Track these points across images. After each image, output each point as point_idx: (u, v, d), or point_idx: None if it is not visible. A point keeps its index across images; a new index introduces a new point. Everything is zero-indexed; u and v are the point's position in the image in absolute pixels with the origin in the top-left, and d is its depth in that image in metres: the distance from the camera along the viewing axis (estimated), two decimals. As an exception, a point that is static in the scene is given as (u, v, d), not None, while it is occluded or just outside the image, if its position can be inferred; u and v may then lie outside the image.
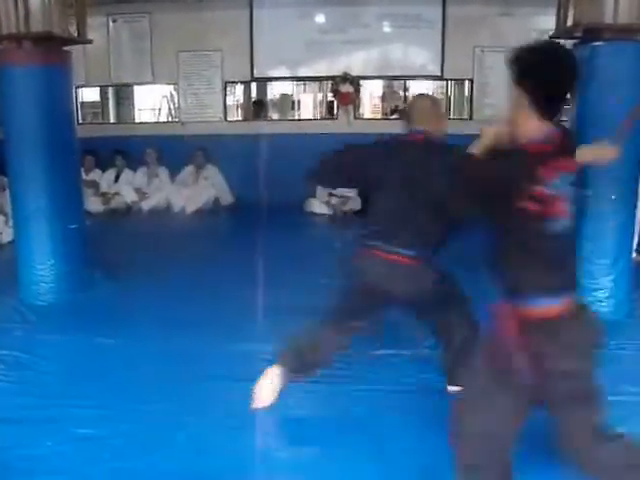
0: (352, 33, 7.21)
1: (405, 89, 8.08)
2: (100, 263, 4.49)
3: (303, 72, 7.57)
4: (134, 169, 7.49)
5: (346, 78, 7.25)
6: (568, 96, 1.67)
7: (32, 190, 3.95)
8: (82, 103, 8.03)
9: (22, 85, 3.84)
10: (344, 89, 7.29)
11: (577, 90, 1.70)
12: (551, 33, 4.20)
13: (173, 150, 7.27)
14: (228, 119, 7.72)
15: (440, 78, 7.41)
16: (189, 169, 7.40)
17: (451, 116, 7.69)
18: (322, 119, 8.28)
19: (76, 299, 4.05)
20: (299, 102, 9.59)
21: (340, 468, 2.30)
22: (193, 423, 2.57)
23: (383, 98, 9.68)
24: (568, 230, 1.71)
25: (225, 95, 7.63)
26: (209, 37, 7.27)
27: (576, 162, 1.73)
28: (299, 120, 8.88)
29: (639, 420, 2.58)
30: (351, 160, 2.67)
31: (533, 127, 1.66)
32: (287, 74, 7.67)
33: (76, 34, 4.18)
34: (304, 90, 9.53)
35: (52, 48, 3.93)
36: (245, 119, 8.11)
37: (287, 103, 9.20)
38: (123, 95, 8.19)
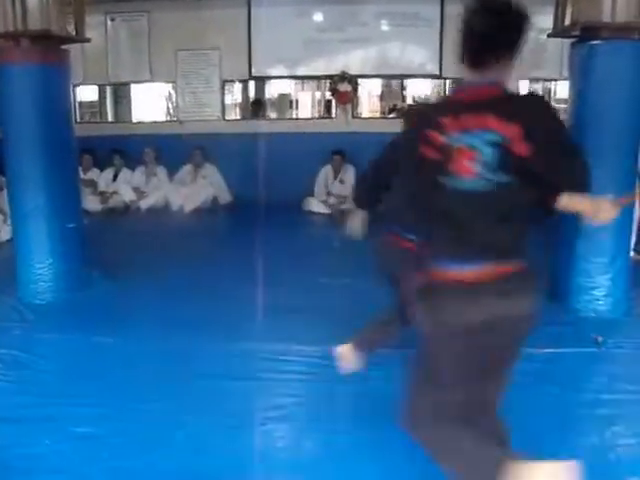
0: (350, 32, 7.20)
1: (403, 88, 8.09)
2: (98, 262, 4.48)
3: (301, 71, 7.55)
4: (132, 168, 7.48)
5: (344, 77, 7.25)
6: (501, 49, 1.61)
7: (30, 189, 3.95)
8: (80, 102, 8.02)
9: (20, 84, 3.84)
10: (342, 88, 7.29)
11: (518, 45, 1.61)
12: (549, 32, 4.21)
13: (171, 149, 7.26)
14: (226, 118, 7.71)
15: (438, 77, 7.40)
16: (187, 168, 7.40)
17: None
18: (320, 118, 8.29)
19: (74, 298, 4.05)
20: (297, 101, 9.60)
21: (340, 468, 2.30)
22: (192, 422, 2.57)
23: (381, 97, 9.70)
24: (483, 194, 1.59)
25: (223, 94, 7.62)
26: (207, 36, 7.26)
27: (507, 127, 1.55)
28: (297, 119, 8.88)
29: (636, 418, 2.59)
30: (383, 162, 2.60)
31: (466, 78, 1.66)
32: (285, 73, 7.66)
33: (74, 33, 4.17)
34: (302, 89, 9.54)
35: (50, 46, 3.92)
36: (243, 118, 8.11)
37: (285, 102, 9.21)
38: (121, 94, 8.18)
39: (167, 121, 7.97)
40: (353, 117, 7.55)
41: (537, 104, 1.62)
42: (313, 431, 2.52)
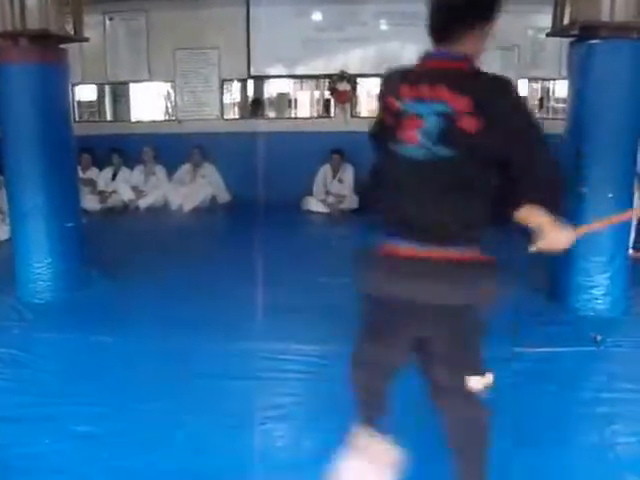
0: (349, 31, 7.20)
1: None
2: (97, 261, 4.48)
3: (300, 70, 7.55)
4: (131, 167, 7.47)
5: (343, 76, 7.25)
6: (467, 22, 1.62)
7: (29, 188, 3.94)
8: (79, 101, 8.01)
9: (18, 83, 3.83)
10: (341, 87, 7.29)
11: (487, 18, 1.64)
12: (547, 31, 4.22)
13: (170, 148, 7.25)
14: (225, 117, 7.70)
15: (437, 76, 7.39)
16: (186, 167, 7.39)
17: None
18: (319, 117, 8.28)
19: (73, 297, 4.05)
20: (296, 100, 9.58)
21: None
22: (191, 422, 2.57)
23: (380, 96, 9.68)
24: (423, 163, 1.59)
25: (222, 93, 7.62)
26: (206, 35, 7.26)
27: (457, 99, 1.53)
28: (296, 118, 8.87)
29: (635, 417, 2.60)
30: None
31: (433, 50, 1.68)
32: (284, 72, 7.65)
33: (72, 32, 4.16)
34: (301, 88, 9.52)
35: (48, 46, 3.92)
36: (242, 117, 8.10)
37: (284, 101, 9.19)
38: (120, 93, 8.17)
39: (166, 120, 7.96)
40: (352, 116, 7.54)
41: (495, 82, 1.58)
42: (312, 430, 2.52)
